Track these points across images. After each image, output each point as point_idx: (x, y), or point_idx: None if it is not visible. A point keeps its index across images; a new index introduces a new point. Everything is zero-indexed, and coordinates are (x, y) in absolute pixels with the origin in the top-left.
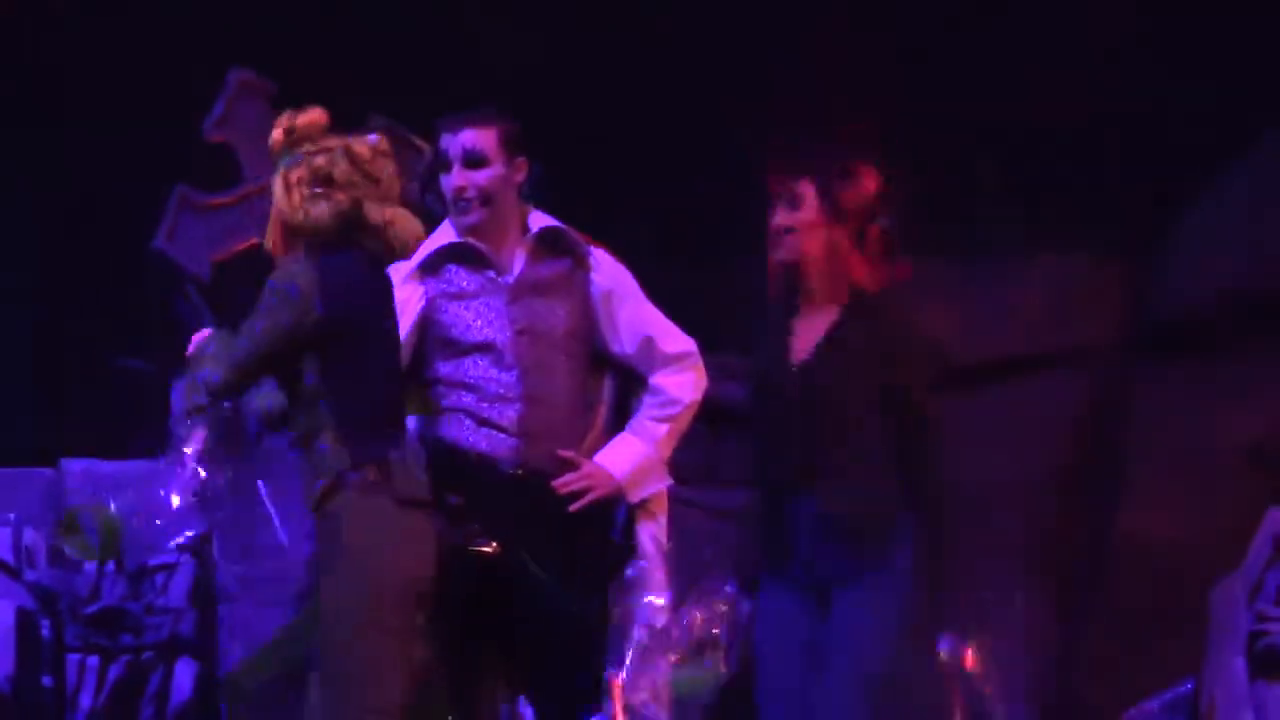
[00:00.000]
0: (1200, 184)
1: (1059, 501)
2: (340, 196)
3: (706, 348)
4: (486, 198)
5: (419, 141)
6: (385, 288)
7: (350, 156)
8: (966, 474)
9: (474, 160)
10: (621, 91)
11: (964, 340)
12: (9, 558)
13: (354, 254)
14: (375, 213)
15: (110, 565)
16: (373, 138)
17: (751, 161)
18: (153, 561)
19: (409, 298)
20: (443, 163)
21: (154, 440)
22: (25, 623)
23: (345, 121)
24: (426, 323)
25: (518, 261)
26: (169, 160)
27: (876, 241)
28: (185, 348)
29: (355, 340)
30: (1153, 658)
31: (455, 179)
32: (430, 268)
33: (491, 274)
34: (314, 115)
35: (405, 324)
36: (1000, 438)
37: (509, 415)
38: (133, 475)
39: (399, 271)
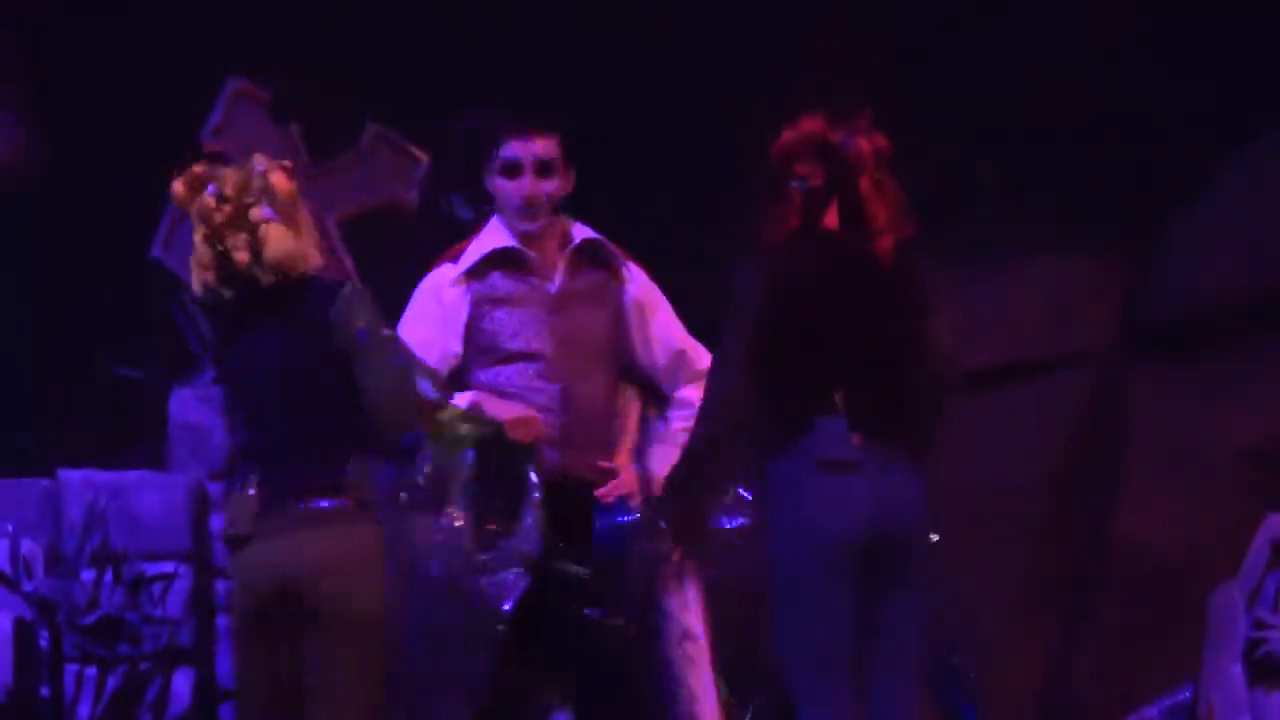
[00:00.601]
0: (1200, 184)
1: (1058, 502)
2: (205, 259)
3: (707, 349)
4: (555, 205)
5: (416, 151)
6: (256, 328)
7: (201, 216)
8: (966, 475)
9: (545, 168)
10: (621, 91)
11: (963, 341)
12: (6, 568)
13: (234, 305)
14: (241, 255)
15: (108, 575)
16: (211, 188)
17: (751, 161)
18: (150, 571)
19: (457, 302)
20: (510, 168)
21: (152, 449)
22: (23, 633)
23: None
24: (470, 328)
25: (559, 271)
26: (169, 161)
27: None
28: (181, 356)
29: (226, 391)
30: (1152, 659)
31: (527, 186)
32: (476, 272)
33: (535, 281)
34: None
35: (455, 329)
36: (999, 439)
37: (552, 425)
38: (130, 484)
39: (446, 275)
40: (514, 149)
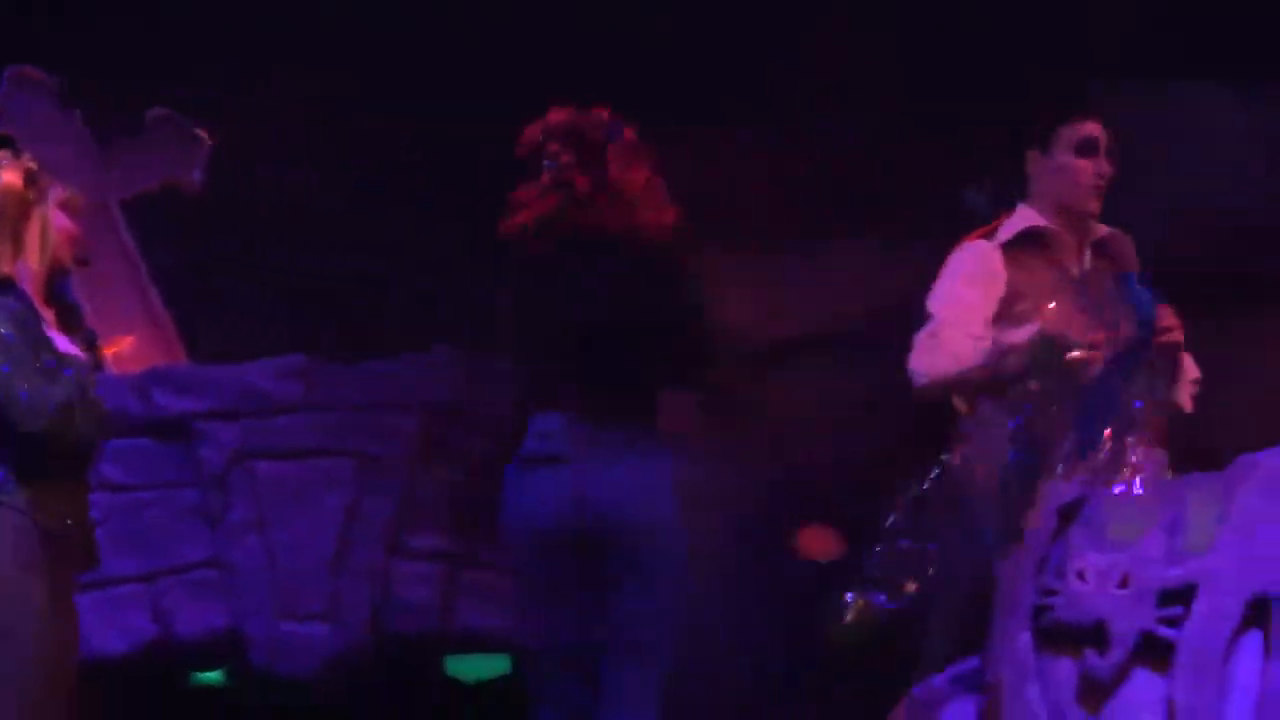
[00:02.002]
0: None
1: None
2: None
3: None
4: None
5: (200, 133)
6: None
7: None
8: None
9: (1111, 152)
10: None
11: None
12: None
13: None
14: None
15: None
16: None
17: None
18: None
19: (999, 274)
20: (1087, 146)
21: None
22: None
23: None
24: (1004, 303)
25: (1085, 258)
26: None
27: None
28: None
29: None
30: None
31: (1104, 165)
32: (1010, 250)
33: (1063, 264)
34: None
35: (994, 298)
36: None
37: None
38: None
39: (986, 248)
40: (1092, 128)
